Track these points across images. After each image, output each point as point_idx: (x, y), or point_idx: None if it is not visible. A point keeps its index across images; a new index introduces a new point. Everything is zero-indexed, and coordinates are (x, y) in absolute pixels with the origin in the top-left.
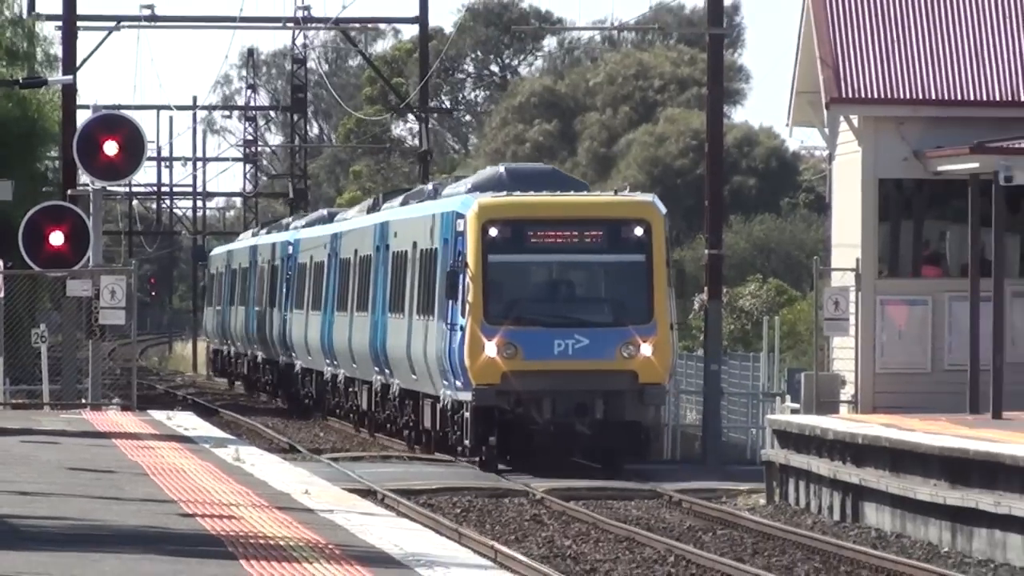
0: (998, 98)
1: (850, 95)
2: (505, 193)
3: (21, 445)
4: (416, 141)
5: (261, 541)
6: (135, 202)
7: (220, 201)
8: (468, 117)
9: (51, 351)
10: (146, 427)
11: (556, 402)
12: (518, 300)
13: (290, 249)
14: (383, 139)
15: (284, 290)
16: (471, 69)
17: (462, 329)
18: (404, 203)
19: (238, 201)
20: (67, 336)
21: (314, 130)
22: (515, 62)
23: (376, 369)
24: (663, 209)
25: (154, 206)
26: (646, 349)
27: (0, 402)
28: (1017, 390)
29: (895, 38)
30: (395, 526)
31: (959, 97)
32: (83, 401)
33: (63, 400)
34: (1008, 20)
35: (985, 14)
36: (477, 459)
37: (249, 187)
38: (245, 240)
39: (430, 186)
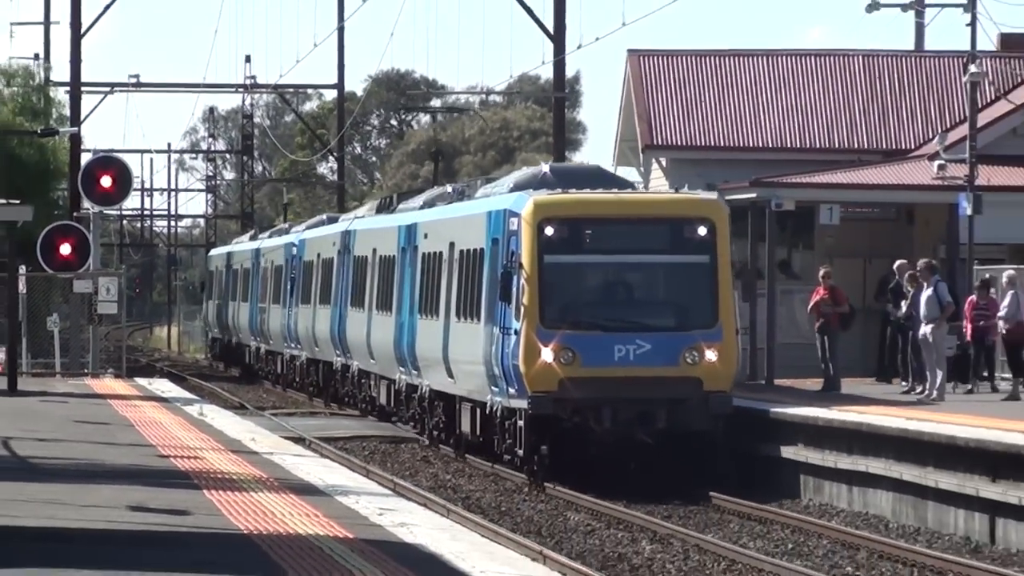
0: (770, 145)
1: (660, 143)
2: (560, 191)
3: (39, 403)
4: (335, 176)
5: (218, 476)
6: (124, 222)
7: (188, 221)
8: (375, 159)
9: (61, 333)
10: (132, 390)
11: (616, 411)
12: (576, 303)
13: (294, 250)
14: (310, 175)
15: (289, 287)
16: (376, 122)
17: (516, 333)
18: (428, 205)
19: (202, 221)
20: (73, 322)
21: (259, 168)
22: (409, 117)
23: (402, 369)
24: (727, 208)
25: (138, 225)
26: (711, 355)
27: (24, 372)
28: (784, 363)
29: (693, 100)
30: (319, 465)
31: (741, 144)
32: (85, 371)
33: (70, 370)
34: (777, 85)
35: (760, 81)
36: (527, 469)
37: (210, 211)
38: (245, 243)
39: (450, 188)
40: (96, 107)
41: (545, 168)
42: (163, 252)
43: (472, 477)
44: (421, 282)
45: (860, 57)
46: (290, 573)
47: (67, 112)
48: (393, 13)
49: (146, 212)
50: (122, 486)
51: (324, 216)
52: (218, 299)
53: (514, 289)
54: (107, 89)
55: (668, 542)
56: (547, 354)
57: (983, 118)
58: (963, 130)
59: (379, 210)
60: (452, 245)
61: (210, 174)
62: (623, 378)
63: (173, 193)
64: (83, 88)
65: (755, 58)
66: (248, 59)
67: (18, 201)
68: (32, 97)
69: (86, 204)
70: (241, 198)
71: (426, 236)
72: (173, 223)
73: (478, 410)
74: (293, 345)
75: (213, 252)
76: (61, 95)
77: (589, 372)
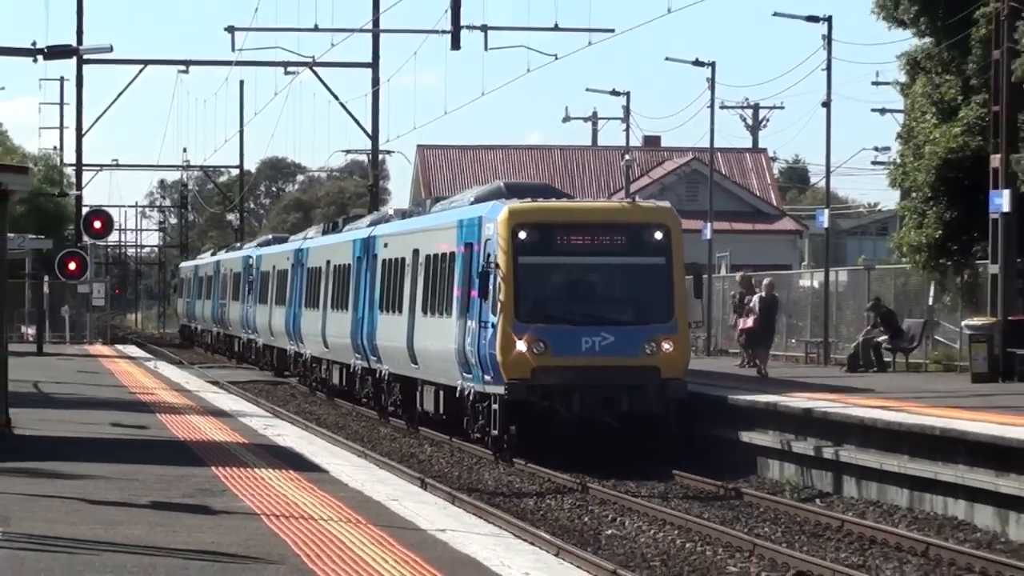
0: None
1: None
2: (529, 199)
3: (56, 360)
4: (237, 221)
5: (165, 404)
6: (108, 249)
7: (147, 250)
8: (262, 211)
9: (70, 317)
10: (113, 353)
11: (584, 396)
12: (547, 300)
13: (250, 261)
14: (223, 221)
15: (247, 290)
16: (263, 189)
17: (493, 327)
18: (379, 222)
19: (156, 249)
20: (77, 310)
21: (191, 217)
22: (284, 185)
23: (357, 356)
24: (678, 216)
25: (117, 251)
26: (667, 346)
27: (46, 341)
28: None
29: (458, 175)
30: (228, 398)
31: None
32: (85, 340)
33: (75, 340)
34: (510, 167)
35: (499, 165)
36: (496, 445)
37: (161, 243)
38: (206, 258)
39: (391, 210)
40: (92, 179)
41: (501, 184)
42: (132, 268)
43: (321, 404)
44: (381, 284)
45: (559, 150)
46: (208, 462)
47: (73, 181)
48: (273, 120)
49: (121, 243)
50: (106, 411)
51: (270, 236)
52: (187, 298)
53: (491, 287)
54: (98, 168)
55: (441, 446)
56: (521, 345)
57: (634, 188)
58: (621, 195)
59: (325, 232)
60: (416, 252)
61: (161, 220)
62: (590, 366)
63: (138, 232)
64: (83, 167)
65: (497, 151)
66: (185, 149)
67: (43, 236)
68: (51, 173)
69: (85, 238)
70: (180, 235)
71: (386, 246)
72: (138, 250)
73: (442, 392)
74: (249, 332)
75: (182, 265)
76: (69, 171)
77: (559, 361)
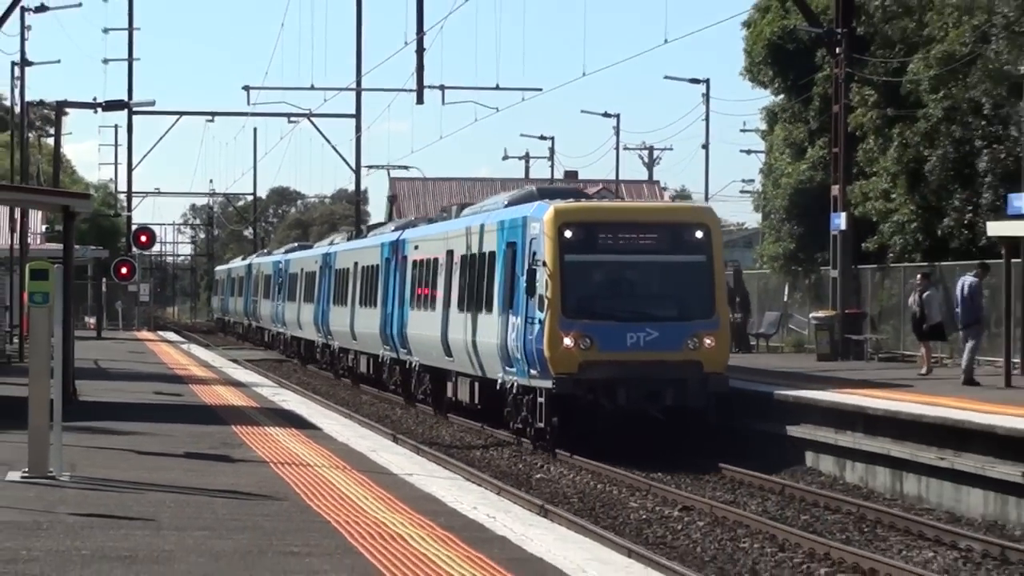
0: None
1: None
2: (572, 200)
3: (112, 343)
4: (251, 237)
5: (195, 377)
6: (151, 257)
7: (181, 258)
8: (270, 228)
9: (122, 310)
10: (157, 337)
11: (629, 389)
12: (593, 296)
13: (280, 265)
14: (240, 236)
15: (277, 289)
16: (271, 211)
17: (540, 323)
18: (405, 227)
19: (189, 258)
20: (128, 305)
21: (216, 232)
22: (287, 208)
23: (387, 347)
24: (718, 215)
25: (158, 258)
26: (709, 341)
27: (104, 328)
28: None
29: (422, 201)
30: (245, 373)
31: None
32: (134, 327)
33: (126, 327)
34: (468, 195)
35: (454, 194)
36: (540, 438)
37: (192, 252)
38: (238, 262)
39: (413, 217)
40: (139, 203)
41: (533, 188)
42: (170, 272)
43: (316, 377)
44: (412, 282)
45: (500, 181)
46: (228, 421)
47: (124, 205)
48: (279, 157)
49: (162, 253)
50: (150, 382)
51: (296, 244)
52: (221, 295)
53: (538, 284)
54: (144, 195)
55: (408, 410)
56: (568, 341)
57: None
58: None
59: (350, 238)
60: (451, 253)
61: (192, 235)
62: (635, 361)
63: (174, 244)
64: (132, 194)
65: (452, 182)
66: (211, 180)
67: (101, 247)
68: (108, 199)
69: (134, 249)
70: (207, 246)
71: (416, 247)
72: (174, 258)
73: (476, 383)
74: (279, 325)
75: (217, 268)
76: (121, 197)
77: (605, 356)
